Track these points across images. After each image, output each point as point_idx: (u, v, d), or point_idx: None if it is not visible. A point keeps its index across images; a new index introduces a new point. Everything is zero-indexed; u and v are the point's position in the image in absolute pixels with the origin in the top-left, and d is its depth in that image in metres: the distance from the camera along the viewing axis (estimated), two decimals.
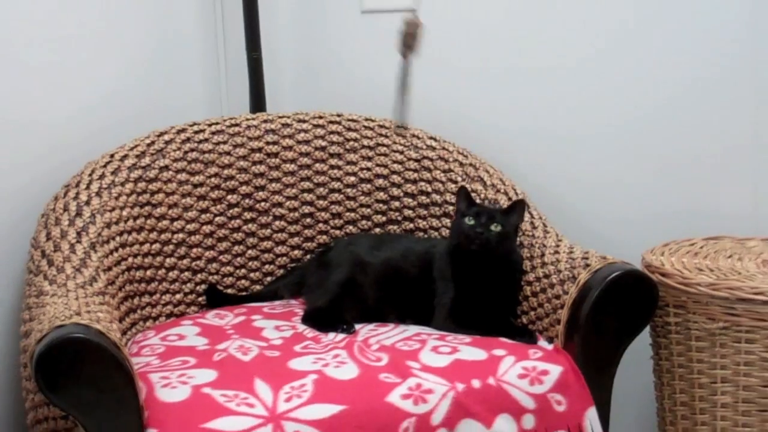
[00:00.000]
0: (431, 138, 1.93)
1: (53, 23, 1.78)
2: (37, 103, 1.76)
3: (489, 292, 1.64)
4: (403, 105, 1.71)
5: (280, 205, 1.90)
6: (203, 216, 1.83)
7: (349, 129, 1.93)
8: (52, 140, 1.78)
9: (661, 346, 1.66)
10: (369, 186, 1.92)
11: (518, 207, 1.66)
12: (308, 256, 1.90)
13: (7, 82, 1.70)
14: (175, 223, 1.80)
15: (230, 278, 1.86)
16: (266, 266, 1.89)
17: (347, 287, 1.72)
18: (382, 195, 1.91)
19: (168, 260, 1.78)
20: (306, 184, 1.91)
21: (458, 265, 1.65)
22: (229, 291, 1.85)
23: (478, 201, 1.76)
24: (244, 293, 1.87)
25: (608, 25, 1.90)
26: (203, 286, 1.82)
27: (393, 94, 1.73)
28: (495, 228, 1.62)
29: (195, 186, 1.83)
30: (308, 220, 1.91)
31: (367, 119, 1.95)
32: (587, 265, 1.55)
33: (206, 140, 1.85)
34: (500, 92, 2.00)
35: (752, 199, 1.85)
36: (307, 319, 1.70)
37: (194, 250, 1.82)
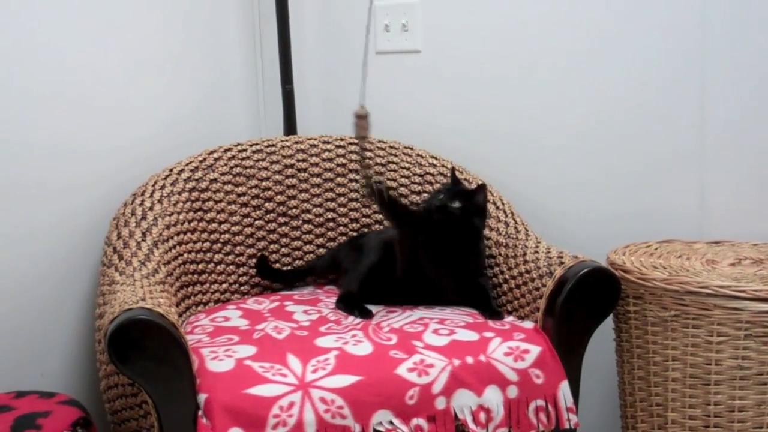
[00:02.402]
0: (432, 157, 1.93)
1: (131, 69, 1.82)
2: (112, 130, 1.78)
3: (448, 256, 1.64)
4: (369, 179, 1.65)
5: (308, 211, 1.90)
6: (245, 220, 1.84)
7: (365, 149, 1.94)
8: (124, 160, 1.79)
9: (622, 330, 1.65)
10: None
11: (480, 190, 1.66)
12: (324, 251, 1.90)
13: (92, 114, 1.73)
14: (222, 226, 1.80)
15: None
16: (296, 261, 1.90)
17: (376, 270, 1.71)
18: None
19: (216, 256, 1.79)
20: (329, 194, 1.91)
21: (427, 228, 1.65)
22: (266, 281, 1.86)
23: (460, 181, 1.77)
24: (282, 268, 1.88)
25: (575, 39, 1.87)
26: (245, 278, 1.83)
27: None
28: (454, 204, 1.63)
29: (239, 195, 1.83)
30: (331, 223, 1.92)
31: (379, 141, 1.95)
32: (562, 263, 1.55)
33: (248, 158, 1.86)
34: (487, 114, 1.99)
35: (699, 205, 1.84)
36: (339, 302, 1.70)
37: (238, 247, 1.82)
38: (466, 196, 1.65)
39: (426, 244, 1.64)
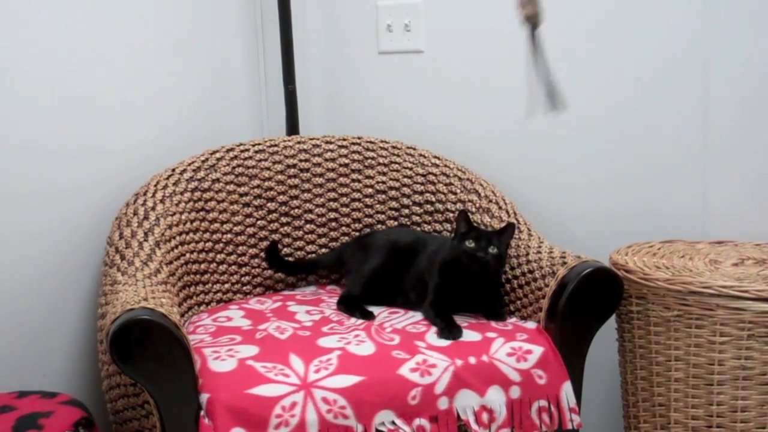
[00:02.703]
0: (435, 157, 1.92)
1: (134, 70, 1.81)
2: (115, 131, 1.77)
3: (471, 298, 1.62)
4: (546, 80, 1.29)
5: (310, 211, 1.90)
6: (247, 220, 1.84)
7: (368, 149, 1.93)
8: (126, 160, 1.79)
9: (625, 330, 1.64)
10: (383, 196, 1.91)
11: (509, 228, 1.62)
12: (333, 247, 1.90)
13: (95, 115, 1.72)
14: (224, 226, 1.80)
15: (270, 270, 1.85)
16: None
17: (379, 273, 1.70)
18: (394, 204, 1.91)
19: (218, 256, 1.78)
20: (332, 195, 1.91)
21: (449, 276, 1.61)
22: (268, 281, 1.85)
23: (474, 222, 1.71)
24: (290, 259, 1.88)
25: (577, 40, 1.86)
26: (248, 277, 1.82)
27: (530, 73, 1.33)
28: (492, 251, 1.57)
29: (241, 195, 1.83)
30: (333, 224, 1.91)
31: (382, 141, 1.95)
32: (564, 263, 1.55)
33: (250, 158, 1.86)
34: (489, 115, 1.98)
35: (702, 205, 1.83)
36: (340, 303, 1.69)
37: (240, 247, 1.82)
38: (496, 238, 1.59)
39: (455, 287, 1.60)
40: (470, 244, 1.57)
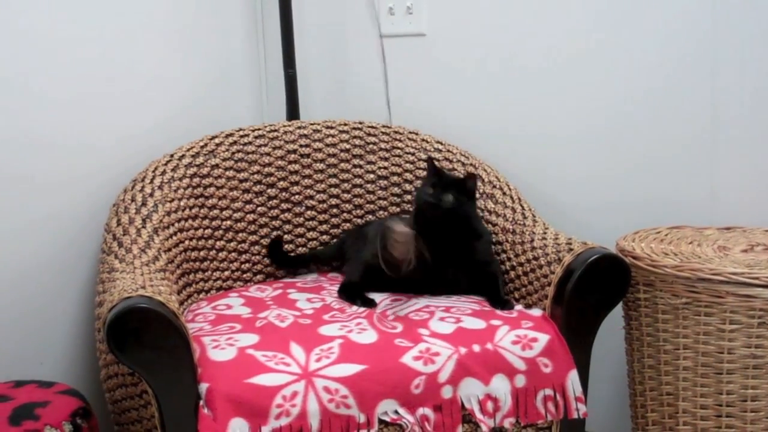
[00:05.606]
0: (438, 142, 1.89)
1: (132, 55, 1.78)
2: (114, 115, 1.74)
3: (450, 250, 1.60)
4: None
5: (311, 197, 1.87)
6: (247, 206, 1.81)
7: (369, 134, 1.90)
8: (125, 149, 1.76)
9: (632, 318, 1.62)
10: (385, 182, 1.89)
11: (470, 179, 1.62)
12: (334, 240, 1.87)
13: (92, 101, 1.69)
14: (224, 212, 1.77)
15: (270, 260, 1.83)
16: (299, 248, 1.87)
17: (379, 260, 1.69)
18: (396, 190, 1.89)
19: (218, 243, 1.76)
20: (333, 180, 1.88)
21: (420, 224, 1.60)
22: (268, 268, 1.83)
23: (444, 170, 1.71)
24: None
25: (587, 27, 1.84)
26: (248, 265, 1.80)
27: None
28: (446, 198, 1.57)
29: (241, 181, 1.80)
30: (334, 210, 1.88)
31: (384, 126, 1.92)
32: (570, 249, 1.52)
33: (250, 143, 1.83)
34: (493, 99, 1.96)
35: (710, 191, 1.82)
36: (341, 291, 1.67)
37: (240, 234, 1.79)
38: (456, 187, 1.60)
39: (426, 240, 1.58)
40: (428, 190, 1.59)
